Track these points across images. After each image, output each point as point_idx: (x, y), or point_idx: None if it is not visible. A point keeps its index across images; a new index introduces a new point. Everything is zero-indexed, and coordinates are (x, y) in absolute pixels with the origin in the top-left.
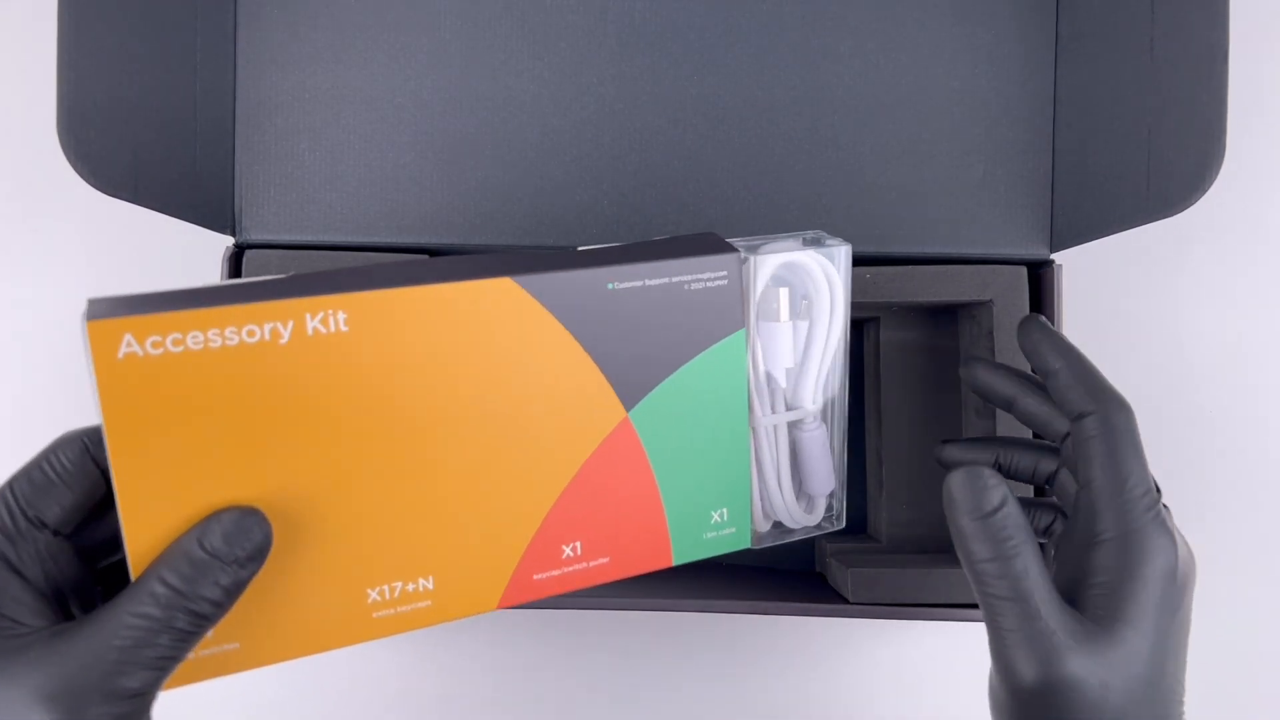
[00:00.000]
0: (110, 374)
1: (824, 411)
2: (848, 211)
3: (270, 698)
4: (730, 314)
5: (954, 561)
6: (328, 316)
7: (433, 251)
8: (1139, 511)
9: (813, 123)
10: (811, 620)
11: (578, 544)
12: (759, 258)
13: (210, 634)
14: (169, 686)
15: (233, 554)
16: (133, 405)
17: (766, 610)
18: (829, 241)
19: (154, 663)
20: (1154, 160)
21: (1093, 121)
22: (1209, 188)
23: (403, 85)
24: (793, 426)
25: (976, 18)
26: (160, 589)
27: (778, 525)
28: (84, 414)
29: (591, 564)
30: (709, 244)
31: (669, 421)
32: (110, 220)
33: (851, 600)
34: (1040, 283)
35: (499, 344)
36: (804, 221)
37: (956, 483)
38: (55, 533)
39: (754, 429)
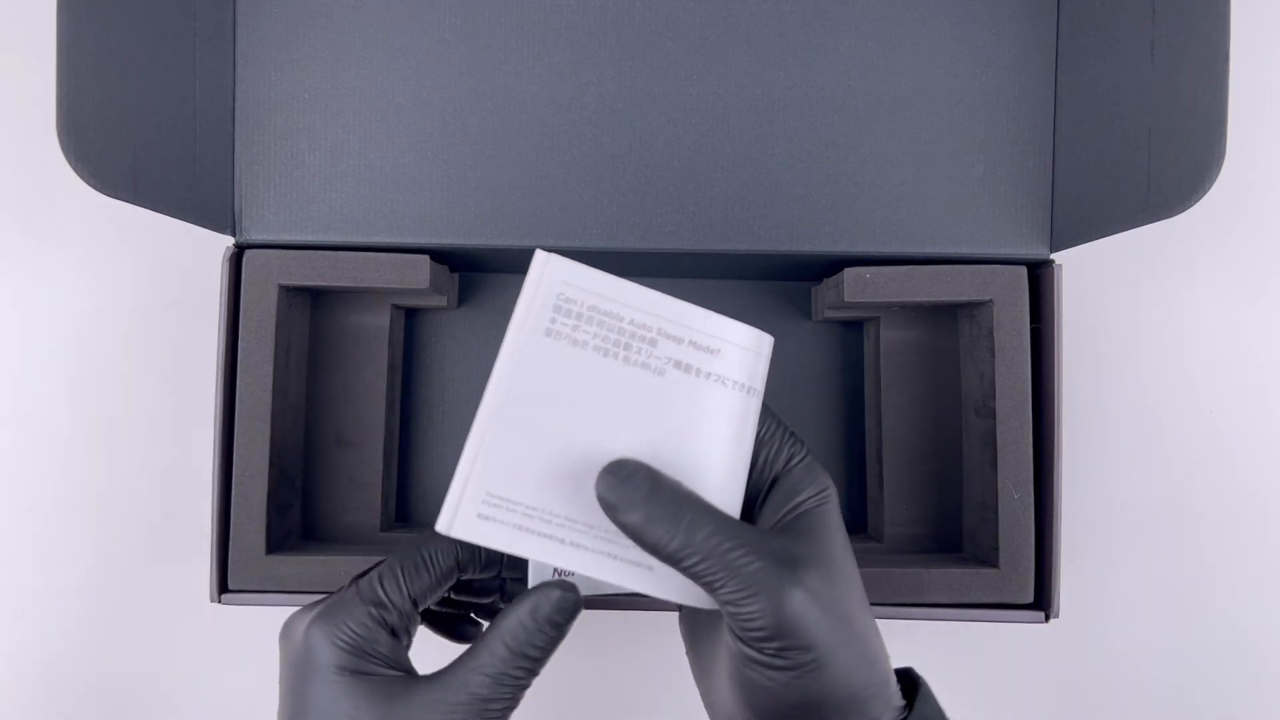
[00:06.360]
0: None
1: None
2: (848, 211)
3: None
4: None
5: (954, 561)
6: None
7: (433, 251)
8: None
9: (813, 123)
10: None
11: None
12: None
13: None
14: None
15: (554, 620)
16: None
17: None
18: None
19: (502, 699)
20: (1154, 160)
21: (1093, 121)
22: (1209, 188)
23: (403, 85)
24: None
25: (976, 18)
26: (501, 650)
27: None
28: (82, 413)
29: None
30: None
31: None
32: (110, 220)
33: None
34: (1040, 283)
35: None
36: (803, 222)
37: (602, 486)
38: (414, 603)
39: None
